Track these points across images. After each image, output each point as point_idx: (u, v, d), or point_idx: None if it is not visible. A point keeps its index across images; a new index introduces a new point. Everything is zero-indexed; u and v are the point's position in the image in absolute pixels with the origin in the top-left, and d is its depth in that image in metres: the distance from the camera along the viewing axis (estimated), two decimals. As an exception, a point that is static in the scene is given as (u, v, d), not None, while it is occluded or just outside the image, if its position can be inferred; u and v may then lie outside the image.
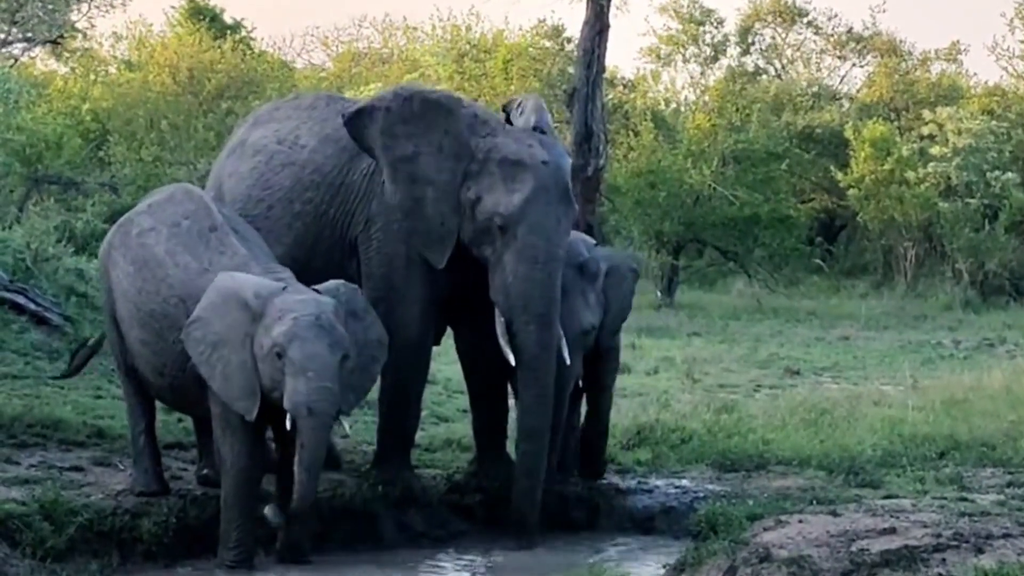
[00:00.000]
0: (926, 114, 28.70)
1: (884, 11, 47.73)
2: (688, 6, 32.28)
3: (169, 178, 21.85)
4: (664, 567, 8.71)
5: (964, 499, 9.40)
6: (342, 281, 9.08)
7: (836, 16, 35.52)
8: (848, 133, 28.67)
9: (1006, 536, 8.09)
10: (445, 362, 12.06)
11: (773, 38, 34.43)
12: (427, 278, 9.81)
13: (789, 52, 34.68)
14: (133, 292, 9.32)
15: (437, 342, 10.38)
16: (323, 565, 8.81)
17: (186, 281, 9.00)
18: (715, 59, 33.06)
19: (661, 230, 26.35)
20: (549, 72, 28.47)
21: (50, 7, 27.48)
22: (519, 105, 10.06)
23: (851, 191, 28.25)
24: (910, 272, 28.12)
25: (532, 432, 9.51)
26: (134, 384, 9.63)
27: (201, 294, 8.84)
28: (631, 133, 27.64)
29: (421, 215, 9.69)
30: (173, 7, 30.68)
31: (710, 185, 26.32)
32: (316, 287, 8.82)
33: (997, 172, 27.01)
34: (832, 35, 34.37)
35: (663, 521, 10.11)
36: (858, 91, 33.66)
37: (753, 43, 33.96)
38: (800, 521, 8.56)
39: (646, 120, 27.73)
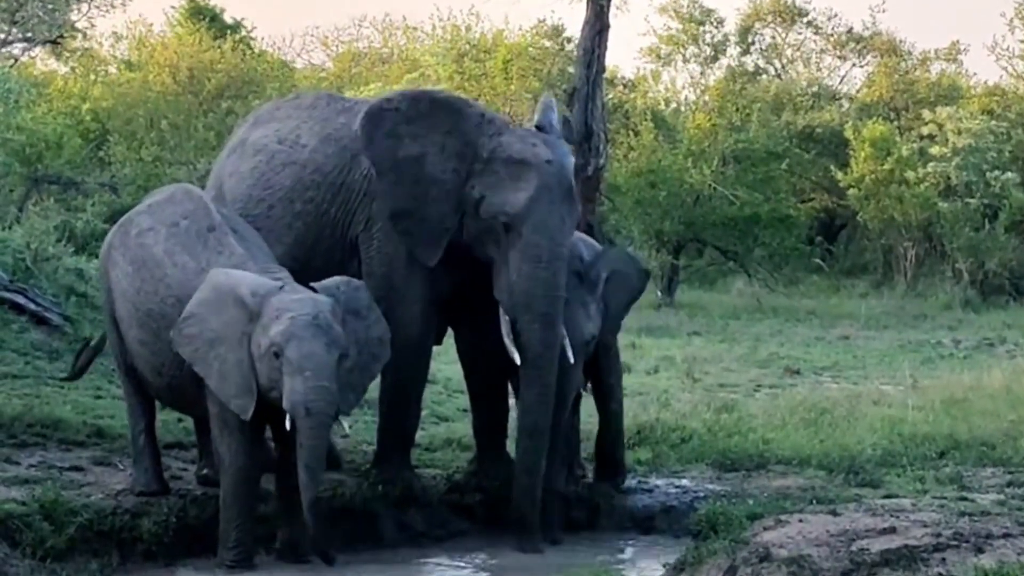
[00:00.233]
0: (926, 114, 28.70)
1: (884, 11, 47.79)
2: (688, 6, 32.31)
3: (169, 178, 21.86)
4: (664, 567, 8.70)
5: (964, 499, 9.41)
6: (344, 278, 9.08)
7: (836, 16, 35.53)
8: (848, 133, 28.67)
9: (1006, 536, 8.09)
10: (445, 362, 12.06)
11: (773, 38, 34.45)
12: (428, 278, 9.81)
13: (789, 52, 34.69)
14: (132, 292, 9.32)
15: (438, 342, 10.39)
16: (323, 565, 8.80)
17: (183, 281, 9.00)
18: (715, 59, 33.08)
19: (661, 230, 26.36)
20: (549, 72, 28.47)
21: (50, 7, 27.48)
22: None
23: (851, 191, 28.25)
24: (910, 272, 28.13)
25: (533, 430, 9.51)
26: (134, 384, 9.64)
27: None
28: (631, 133, 27.64)
29: (420, 214, 9.69)
30: (173, 7, 30.75)
31: (710, 185, 26.32)
32: (315, 284, 8.82)
33: (997, 172, 27.01)
34: (832, 35, 34.39)
35: (663, 521, 10.11)
36: (858, 91, 33.67)
37: (753, 43, 33.97)
38: (800, 520, 8.56)
39: (646, 120, 27.73)
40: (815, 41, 34.48)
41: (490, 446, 10.32)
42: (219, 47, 27.77)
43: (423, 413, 10.77)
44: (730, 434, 11.61)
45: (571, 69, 23.48)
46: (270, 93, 24.64)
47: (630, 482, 10.48)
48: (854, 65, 34.38)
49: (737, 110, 28.14)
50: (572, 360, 9.60)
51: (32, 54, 30.02)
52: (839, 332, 21.26)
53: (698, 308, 24.38)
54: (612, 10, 19.23)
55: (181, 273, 9.06)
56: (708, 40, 32.73)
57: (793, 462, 10.77)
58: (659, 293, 25.73)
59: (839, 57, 34.51)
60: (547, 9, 41.37)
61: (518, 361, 9.47)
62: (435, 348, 10.31)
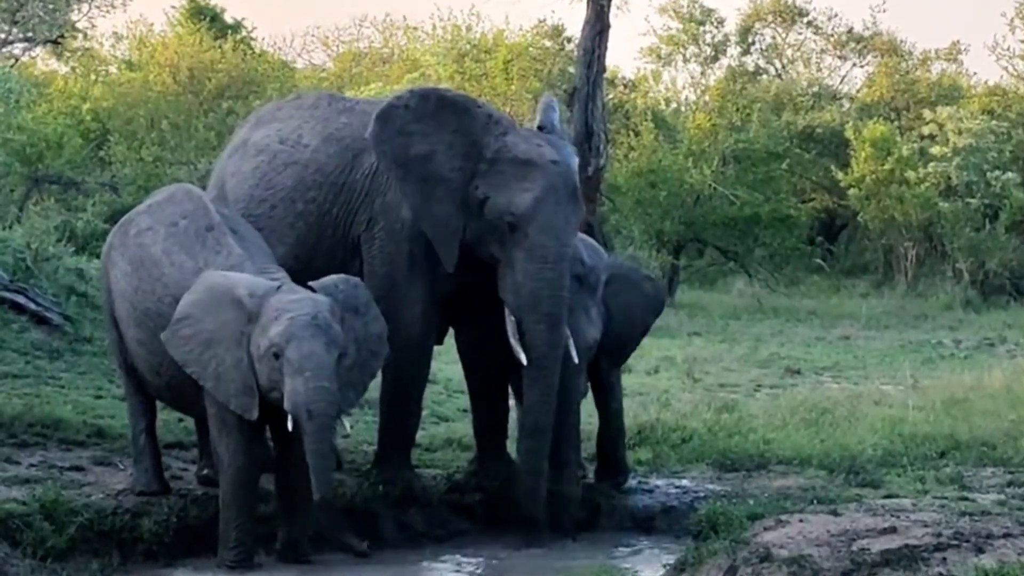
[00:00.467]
0: (926, 114, 28.69)
1: (884, 11, 47.77)
2: (688, 6, 32.29)
3: (170, 178, 21.86)
4: (664, 567, 8.71)
5: (965, 498, 9.40)
6: (343, 276, 9.08)
7: (836, 16, 35.53)
8: (848, 133, 28.67)
9: (1007, 536, 8.08)
10: (446, 361, 12.06)
11: (773, 38, 34.45)
12: (429, 277, 9.81)
13: (789, 52, 34.69)
14: (130, 291, 9.33)
15: (439, 341, 10.39)
16: (323, 565, 8.80)
17: (181, 281, 8.99)
18: (715, 59, 33.08)
19: (662, 230, 26.35)
20: (549, 72, 28.47)
21: (51, 7, 27.52)
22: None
23: (851, 191, 28.24)
24: (910, 272, 28.12)
25: (535, 430, 9.51)
26: (134, 383, 9.64)
27: None
28: (631, 133, 27.64)
29: (429, 215, 9.69)
30: (174, 7, 30.73)
31: (711, 185, 26.32)
32: (312, 284, 8.81)
33: (997, 172, 27.00)
34: (832, 35, 34.39)
35: (663, 521, 10.10)
36: (858, 91, 33.67)
37: (753, 43, 33.97)
38: (801, 521, 8.56)
39: (646, 120, 27.73)
40: (815, 41, 34.52)
41: (490, 446, 10.33)
42: (220, 47, 27.76)
43: (423, 413, 10.77)
44: (730, 434, 11.61)
45: (571, 69, 23.52)
46: (271, 93, 24.63)
47: (630, 482, 10.48)
48: (854, 65, 34.42)
49: (737, 110, 28.14)
50: (576, 360, 9.59)
51: (33, 54, 30.09)
52: (840, 332, 21.25)
53: (698, 308, 24.37)
54: (612, 10, 19.27)
55: (179, 273, 9.06)
56: (708, 40, 32.74)
57: (794, 462, 10.77)
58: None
59: (839, 57, 34.52)
60: (547, 9, 41.49)
61: (524, 361, 9.48)
62: (436, 348, 10.31)
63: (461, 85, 26.79)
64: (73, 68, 30.40)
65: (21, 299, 12.97)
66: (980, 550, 7.84)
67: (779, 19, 34.06)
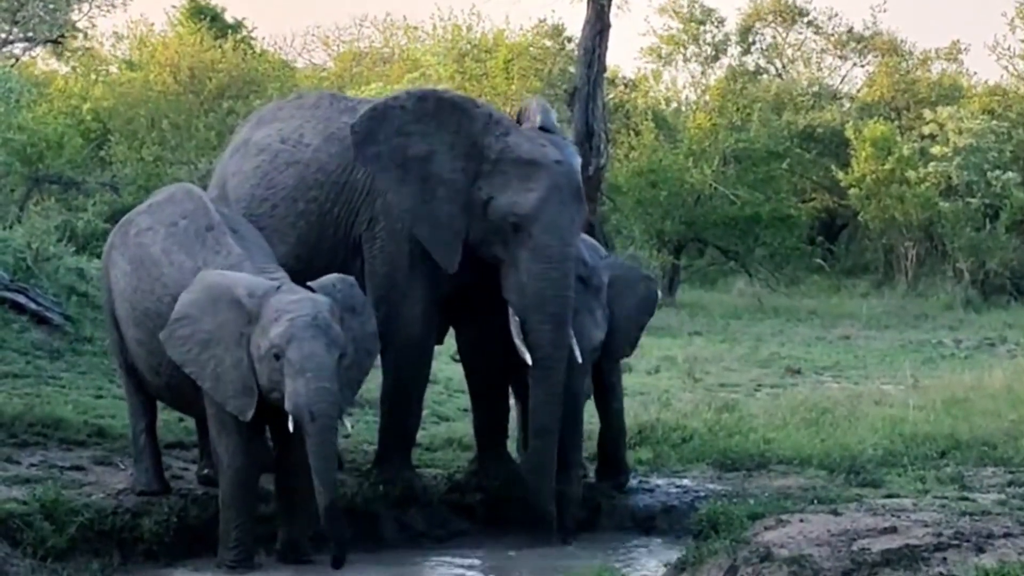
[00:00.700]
0: (927, 113, 28.70)
1: (885, 11, 47.86)
2: (688, 6, 32.27)
3: (170, 178, 21.86)
4: (665, 566, 8.71)
5: (965, 498, 9.40)
6: (340, 276, 9.06)
7: (837, 16, 35.62)
8: (849, 132, 28.67)
9: (1007, 535, 8.09)
10: (446, 361, 12.07)
11: (774, 37, 34.46)
12: (430, 277, 9.81)
13: (790, 51, 34.70)
14: (129, 291, 9.33)
15: (440, 341, 10.39)
16: (323, 565, 8.80)
17: (180, 280, 8.99)
18: (716, 58, 33.07)
19: (662, 229, 26.36)
20: (550, 72, 28.47)
21: (51, 7, 27.53)
22: (526, 111, 10.09)
23: (852, 190, 28.25)
24: (911, 271, 28.13)
25: (542, 430, 9.52)
26: (135, 383, 9.64)
27: None
28: (632, 132, 27.65)
29: (431, 217, 9.68)
30: (174, 6, 30.72)
31: (711, 184, 26.33)
32: (311, 283, 8.81)
33: (998, 171, 27.01)
34: (833, 35, 34.40)
35: (664, 520, 10.11)
36: (859, 91, 33.69)
37: (754, 43, 33.96)
38: (801, 520, 8.56)
39: (647, 119, 27.75)
40: (816, 41, 34.53)
41: (490, 446, 10.33)
42: (220, 47, 27.76)
43: (424, 413, 10.77)
44: (731, 434, 11.61)
45: (572, 69, 23.51)
46: (271, 93, 24.64)
47: (631, 482, 10.47)
48: (855, 65, 34.43)
49: (738, 110, 28.15)
50: (580, 360, 9.59)
51: (33, 54, 30.10)
52: (840, 332, 21.25)
53: (699, 308, 24.38)
54: (613, 10, 19.27)
55: (178, 272, 9.05)
56: (709, 40, 32.73)
57: (794, 462, 10.77)
58: (660, 293, 25.71)
59: (840, 57, 34.53)
60: (548, 9, 41.45)
61: (529, 361, 9.48)
62: (436, 348, 10.31)
63: (461, 85, 26.80)
64: (73, 68, 30.41)
65: (22, 299, 12.97)
66: (981, 550, 7.84)
67: (779, 19, 34.07)
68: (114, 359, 10.15)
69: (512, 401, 10.47)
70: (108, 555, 8.84)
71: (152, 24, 31.43)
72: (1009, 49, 32.25)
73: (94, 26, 31.82)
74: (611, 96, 27.32)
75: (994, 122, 27.92)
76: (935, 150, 27.45)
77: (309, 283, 8.82)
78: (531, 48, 29.20)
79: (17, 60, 28.49)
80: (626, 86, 31.71)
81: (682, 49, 32.64)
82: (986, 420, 11.94)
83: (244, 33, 30.56)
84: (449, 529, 9.87)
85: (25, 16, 27.23)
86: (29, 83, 25.26)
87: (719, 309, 24.24)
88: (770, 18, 34.03)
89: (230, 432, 8.70)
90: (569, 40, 29.23)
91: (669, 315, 22.98)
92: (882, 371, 16.78)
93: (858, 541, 8.02)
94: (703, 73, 32.93)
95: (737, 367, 16.90)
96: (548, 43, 30.02)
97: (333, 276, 9.02)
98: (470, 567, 9.40)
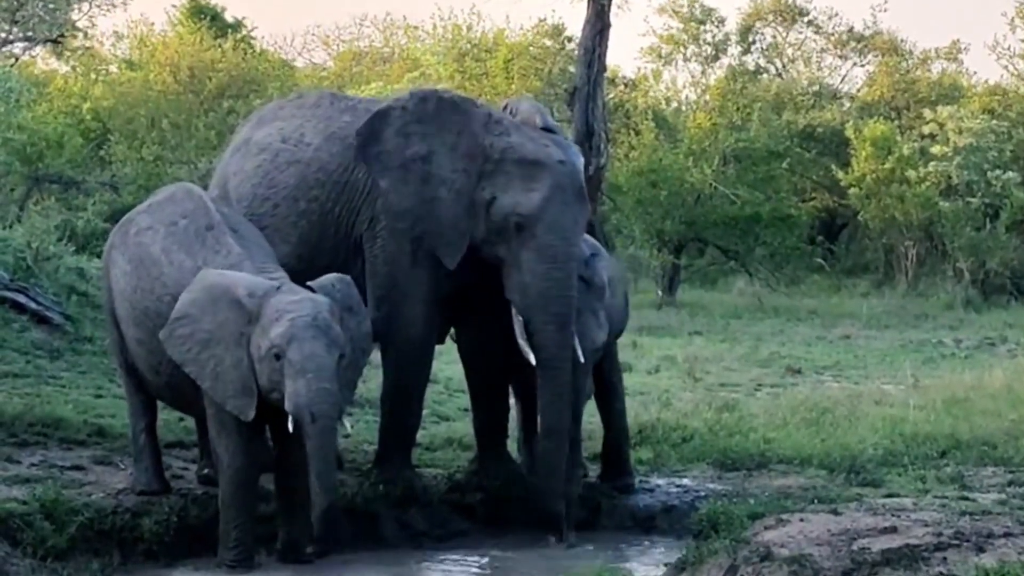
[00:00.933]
0: (927, 113, 28.69)
1: (885, 10, 47.86)
2: (688, 5, 32.26)
3: (170, 177, 21.86)
4: (665, 566, 8.71)
5: (965, 498, 9.40)
6: (337, 275, 9.06)
7: (837, 15, 35.63)
8: (849, 132, 28.67)
9: (1007, 535, 8.08)
10: (446, 361, 12.06)
11: (774, 37, 34.44)
12: (431, 277, 9.81)
13: (790, 51, 34.69)
14: (129, 290, 9.33)
15: (440, 341, 10.38)
16: (323, 565, 8.80)
17: (180, 279, 8.99)
18: (716, 58, 33.04)
19: (662, 229, 26.36)
20: (550, 71, 28.47)
21: (51, 6, 27.52)
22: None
23: (852, 190, 28.25)
24: (911, 271, 28.13)
25: (551, 430, 9.51)
26: (135, 383, 9.64)
27: None
28: (632, 132, 27.64)
29: (434, 217, 9.68)
30: (174, 6, 30.74)
31: (711, 184, 26.32)
32: (310, 283, 8.81)
33: (998, 171, 27.01)
34: (833, 34, 34.38)
35: (664, 520, 10.11)
36: (859, 90, 33.68)
37: (754, 42, 33.94)
38: (801, 520, 8.56)
39: (647, 119, 27.74)
40: (816, 40, 34.51)
41: (491, 446, 10.32)
42: (220, 46, 27.76)
43: (424, 412, 10.77)
44: (731, 433, 11.61)
45: (572, 68, 23.49)
46: (271, 92, 24.64)
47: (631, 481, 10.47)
48: (855, 64, 34.42)
49: (738, 109, 28.14)
50: (583, 359, 9.59)
51: (33, 53, 30.09)
52: (840, 331, 21.25)
53: (699, 307, 24.38)
54: (613, 9, 19.23)
55: (178, 272, 9.05)
56: (709, 39, 32.71)
57: (794, 461, 10.77)
58: (660, 292, 25.75)
59: (840, 56, 34.52)
60: (548, 8, 41.41)
61: (533, 362, 9.47)
62: (437, 348, 10.31)
63: (461, 84, 26.80)
64: (73, 67, 30.42)
65: (22, 298, 12.97)
66: (981, 549, 7.84)
67: (779, 18, 34.06)
68: (114, 359, 10.16)
69: (512, 401, 10.47)
70: (108, 555, 8.84)
71: (152, 24, 31.49)
72: (1009, 49, 32.30)
73: (94, 26, 31.91)
74: (611, 96, 27.31)
75: (994, 122, 27.92)
76: (935, 150, 27.45)
77: (309, 283, 8.82)
78: (531, 48, 29.21)
79: (17, 60, 28.49)
80: (626, 86, 31.70)
81: (682, 49, 32.61)
82: (986, 420, 11.94)
83: (244, 33, 30.56)
84: (449, 529, 9.87)
85: (25, 16, 27.22)
86: (29, 83, 25.26)
87: (719, 309, 24.24)
88: (770, 18, 34.02)
89: (230, 432, 8.70)
90: (569, 40, 29.23)
91: (669, 315, 23.00)
92: (882, 371, 16.78)
93: (858, 541, 8.01)
94: (703, 73, 32.93)
95: (737, 367, 16.90)
96: (548, 43, 30.02)
97: (332, 276, 9.02)
98: (470, 567, 9.40)
